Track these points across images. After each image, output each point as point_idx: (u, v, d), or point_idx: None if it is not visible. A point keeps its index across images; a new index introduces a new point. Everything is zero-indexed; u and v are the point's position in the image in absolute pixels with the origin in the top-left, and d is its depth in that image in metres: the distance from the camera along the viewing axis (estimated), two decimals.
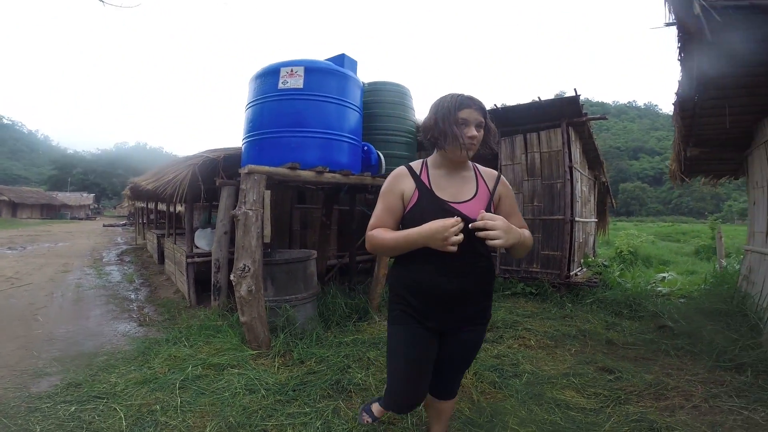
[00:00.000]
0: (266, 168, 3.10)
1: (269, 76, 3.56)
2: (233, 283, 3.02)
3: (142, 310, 4.78)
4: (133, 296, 5.47)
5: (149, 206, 11.44)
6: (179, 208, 7.72)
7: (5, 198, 34.36)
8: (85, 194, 47.21)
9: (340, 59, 3.85)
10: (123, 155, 65.36)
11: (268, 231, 3.03)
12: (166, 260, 6.99)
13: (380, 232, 1.38)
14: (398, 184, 1.43)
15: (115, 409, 2.32)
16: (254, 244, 2.96)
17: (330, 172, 3.46)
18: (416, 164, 1.48)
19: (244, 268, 2.95)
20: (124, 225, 26.09)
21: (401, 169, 1.47)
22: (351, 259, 4.73)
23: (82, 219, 37.92)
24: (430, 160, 1.50)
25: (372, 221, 1.43)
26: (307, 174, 3.33)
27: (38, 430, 2.11)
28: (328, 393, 2.48)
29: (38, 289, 5.71)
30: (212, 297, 4.09)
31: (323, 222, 4.82)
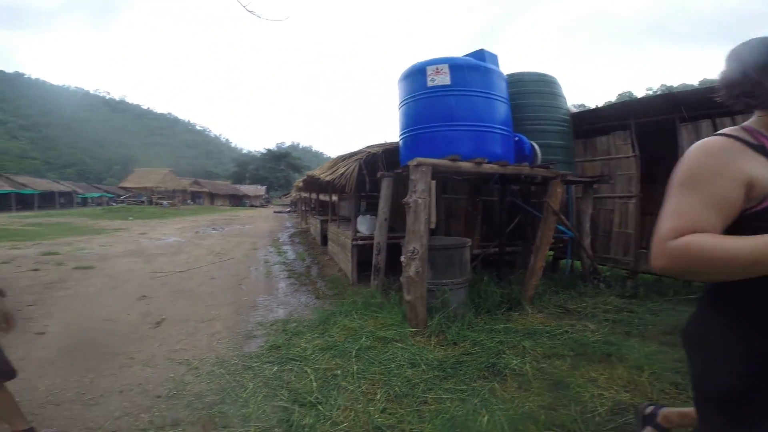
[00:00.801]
0: (432, 160, 3.32)
1: (416, 75, 3.79)
2: (402, 264, 3.33)
3: (315, 284, 5.62)
4: (306, 272, 6.48)
5: (311, 196, 13.36)
6: (333, 197, 8.71)
7: (206, 189, 44.34)
8: (258, 186, 57.24)
9: (480, 54, 3.91)
10: (282, 154, 76.56)
11: (434, 217, 3.25)
12: (329, 242, 8.05)
13: (710, 241, 0.81)
14: (737, 164, 0.85)
15: (306, 371, 2.63)
16: (422, 229, 3.22)
17: (488, 163, 3.54)
18: (741, 133, 0.91)
19: (414, 251, 3.22)
20: (289, 212, 30.89)
21: (727, 142, 0.89)
22: (500, 249, 4.66)
23: (257, 206, 46.22)
24: (754, 125, 0.93)
25: (677, 222, 0.85)
26: (466, 165, 3.46)
27: (251, 386, 2.46)
28: (484, 374, 2.57)
29: (239, 262, 7.23)
30: (372, 276, 4.56)
31: (469, 211, 4.87)
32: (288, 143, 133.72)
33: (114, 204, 34.36)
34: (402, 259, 3.33)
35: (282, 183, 70.36)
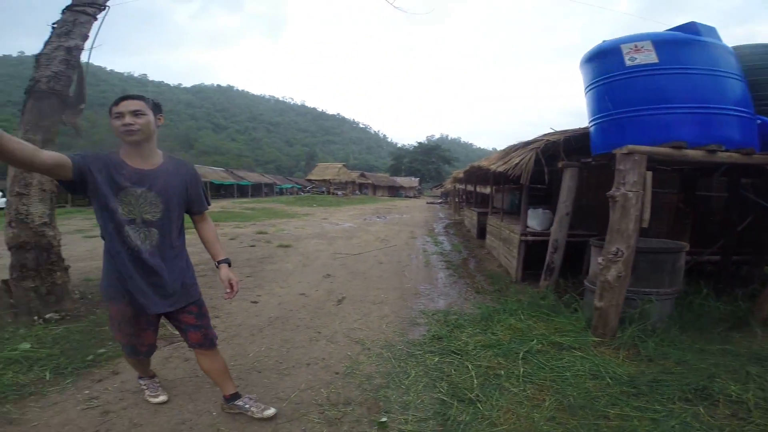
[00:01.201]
0: (647, 148, 2.84)
1: (608, 55, 3.41)
2: (600, 267, 2.94)
3: (473, 278, 5.51)
4: (463, 265, 6.41)
5: (466, 187, 13.23)
6: (494, 189, 8.34)
7: (370, 181, 48.94)
8: (412, 178, 60.13)
9: (692, 28, 3.22)
10: (432, 146, 78.07)
11: (647, 215, 2.76)
12: (487, 236, 7.79)
13: None
14: None
15: (467, 366, 2.58)
16: (631, 227, 2.79)
17: (724, 151, 2.86)
18: None
19: (617, 252, 2.81)
20: (440, 203, 31.52)
21: None
22: (724, 256, 3.63)
23: (411, 197, 48.72)
24: None
25: None
26: (694, 153, 2.85)
27: (413, 374, 2.50)
28: (687, 397, 2.21)
29: (400, 250, 7.67)
30: (543, 276, 4.17)
31: (679, 209, 3.92)
32: (437, 135, 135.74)
33: (302, 193, 41.51)
34: (600, 260, 2.93)
35: (433, 174, 71.89)
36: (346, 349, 2.98)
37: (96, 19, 3.71)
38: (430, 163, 72.10)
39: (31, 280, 3.19)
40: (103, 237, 1.78)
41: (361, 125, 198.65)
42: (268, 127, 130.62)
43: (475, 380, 2.39)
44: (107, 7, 3.74)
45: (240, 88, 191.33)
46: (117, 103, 1.70)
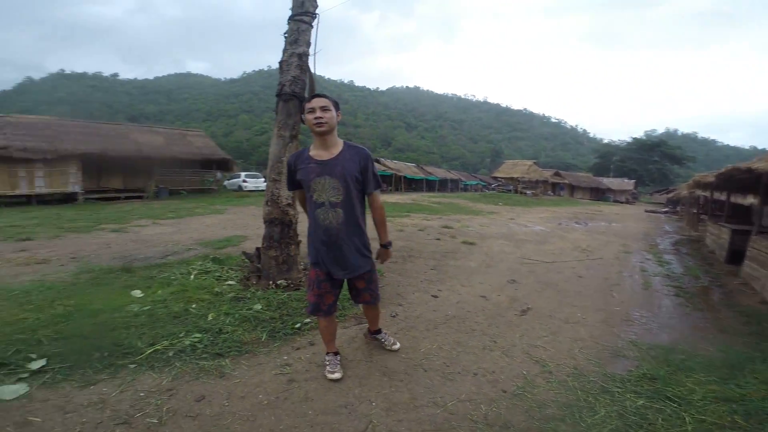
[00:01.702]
0: None
1: None
2: None
3: (717, 312, 4.10)
4: (702, 294, 4.87)
5: (713, 195, 10.08)
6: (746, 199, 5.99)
7: (566, 181, 43.69)
8: (625, 180, 50.46)
9: None
10: (654, 143, 63.73)
11: None
12: (747, 262, 5.70)
13: None
14: None
15: (683, 418, 2.08)
16: None
17: None
18: None
19: None
20: (666, 212, 25.36)
21: None
22: None
23: (622, 202, 41.05)
24: None
25: None
26: None
27: (602, 413, 2.11)
28: None
29: (608, 264, 6.40)
30: None
31: None
32: (660, 130, 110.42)
33: (486, 191, 40.68)
34: None
35: (655, 177, 59.09)
36: (521, 366, 2.67)
37: (312, 27, 4.19)
38: (650, 163, 59.64)
39: (274, 249, 4.01)
40: (308, 217, 2.30)
41: (553, 120, 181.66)
42: (452, 125, 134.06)
43: None
44: (317, 15, 4.20)
45: (425, 88, 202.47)
46: (309, 100, 2.14)
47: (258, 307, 3.36)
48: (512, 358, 2.78)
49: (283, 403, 2.14)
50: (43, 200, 14.21)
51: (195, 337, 2.75)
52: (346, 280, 2.39)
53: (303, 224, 2.89)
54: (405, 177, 34.08)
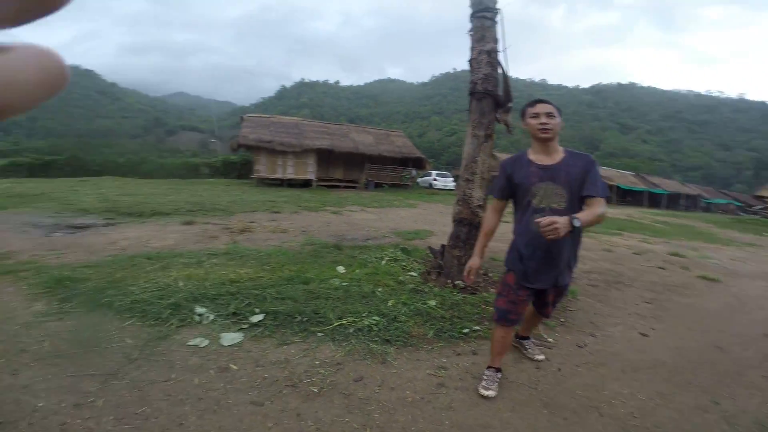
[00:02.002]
0: None
1: None
2: None
3: None
4: None
5: None
6: None
7: None
8: None
9: None
10: None
11: None
12: None
13: None
14: None
15: None
16: None
17: None
18: None
19: None
20: None
21: None
22: None
23: None
24: None
25: None
26: None
27: None
28: None
29: None
30: None
31: None
32: None
33: (742, 214, 30.39)
34: None
35: None
36: None
37: (496, 22, 3.94)
38: None
39: (458, 249, 4.00)
40: (514, 221, 2.21)
41: None
42: (690, 127, 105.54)
43: None
44: (499, 10, 3.92)
45: (644, 84, 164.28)
46: (533, 104, 2.06)
47: (432, 303, 3.40)
48: (733, 427, 2.11)
49: (424, 405, 2.09)
50: (290, 184, 18.59)
51: (374, 320, 2.95)
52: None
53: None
54: (618, 187, 28.85)
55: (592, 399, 2.29)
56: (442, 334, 2.89)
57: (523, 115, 2.11)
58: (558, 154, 2.07)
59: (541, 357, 2.62)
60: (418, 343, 2.74)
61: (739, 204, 34.67)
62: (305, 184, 18.88)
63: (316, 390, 2.10)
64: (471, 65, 4.03)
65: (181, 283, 3.44)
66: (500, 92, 3.96)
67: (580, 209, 2.00)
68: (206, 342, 2.50)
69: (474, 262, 2.29)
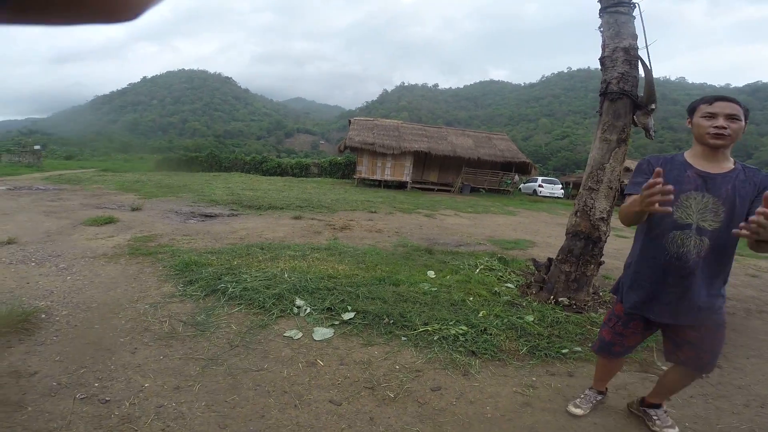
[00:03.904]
0: None
1: None
2: None
3: None
4: None
5: None
6: None
7: None
8: None
9: None
10: None
11: None
12: None
13: None
14: None
15: None
16: None
17: None
18: None
19: None
20: None
21: None
22: None
23: None
24: None
25: None
26: None
27: None
28: None
29: None
30: None
31: None
32: None
33: None
34: None
35: None
36: None
37: (633, 17, 3.56)
38: None
39: (569, 264, 3.63)
40: (639, 237, 1.80)
41: None
42: None
43: None
44: (636, 5, 3.52)
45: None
46: (711, 102, 1.64)
47: (530, 318, 3.16)
48: None
49: (504, 423, 1.95)
50: (387, 185, 19.14)
51: (461, 329, 2.84)
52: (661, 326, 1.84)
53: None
54: None
55: (698, 431, 2.03)
56: (536, 351, 2.68)
57: (692, 111, 1.70)
58: (727, 164, 1.65)
59: (675, 430, 1.92)
60: (508, 358, 2.57)
61: None
62: (401, 185, 19.23)
63: (392, 395, 2.08)
64: (604, 63, 3.72)
65: (286, 275, 3.72)
66: (640, 92, 3.58)
67: (732, 236, 1.54)
68: (300, 335, 2.64)
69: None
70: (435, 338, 2.71)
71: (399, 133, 20.30)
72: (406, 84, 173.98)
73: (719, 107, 1.59)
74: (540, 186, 22.71)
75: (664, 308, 1.72)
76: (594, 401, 2.06)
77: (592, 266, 3.59)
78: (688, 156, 1.70)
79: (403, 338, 2.70)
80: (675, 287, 1.67)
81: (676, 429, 1.92)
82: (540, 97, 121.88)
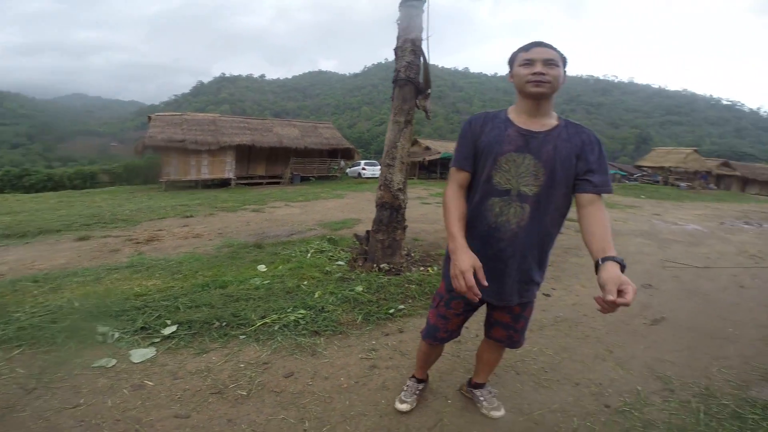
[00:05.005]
0: None
1: None
2: None
3: None
4: None
5: None
6: None
7: (738, 173, 35.10)
8: None
9: None
10: None
11: None
12: None
13: None
14: None
15: None
16: None
17: None
18: None
19: None
20: None
21: None
22: None
23: None
24: None
25: None
26: None
27: None
28: None
29: None
30: None
31: None
32: None
33: (626, 181, 35.09)
34: None
35: None
36: (637, 381, 2.33)
37: (423, 11, 4.10)
38: None
39: (381, 233, 4.11)
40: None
41: (724, 102, 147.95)
42: (587, 109, 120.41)
43: None
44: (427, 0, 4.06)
45: None
46: (527, 49, 1.46)
47: (359, 288, 3.48)
48: (628, 371, 2.44)
49: (360, 388, 2.14)
50: (206, 184, 17.41)
51: (300, 313, 2.93)
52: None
53: (408, 211, 2.80)
54: None
55: (507, 360, 2.47)
56: (370, 317, 2.97)
57: (511, 62, 1.51)
58: (550, 120, 1.50)
59: (500, 413, 1.92)
60: (348, 329, 2.78)
61: (623, 173, 40.00)
62: (223, 183, 17.81)
63: (244, 393, 2.05)
64: (396, 53, 4.12)
65: (76, 303, 3.09)
66: (421, 80, 4.10)
67: (561, 201, 1.49)
68: (114, 361, 2.33)
69: (470, 257, 1.38)
70: (276, 328, 2.73)
71: (216, 127, 18.57)
72: (227, 75, 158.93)
73: (536, 53, 1.43)
74: (363, 169, 24.49)
75: (488, 286, 1.47)
76: (417, 392, 2.01)
77: (399, 231, 4.16)
78: (511, 113, 1.53)
79: (242, 337, 2.63)
80: (495, 261, 1.51)
81: (502, 411, 1.93)
82: (362, 87, 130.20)
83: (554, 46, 1.44)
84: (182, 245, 5.50)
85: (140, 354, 2.40)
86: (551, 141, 1.45)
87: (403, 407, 1.94)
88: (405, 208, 4.20)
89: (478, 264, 1.37)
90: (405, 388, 2.03)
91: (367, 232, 4.39)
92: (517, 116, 1.50)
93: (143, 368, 2.27)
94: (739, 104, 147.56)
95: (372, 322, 2.92)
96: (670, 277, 4.62)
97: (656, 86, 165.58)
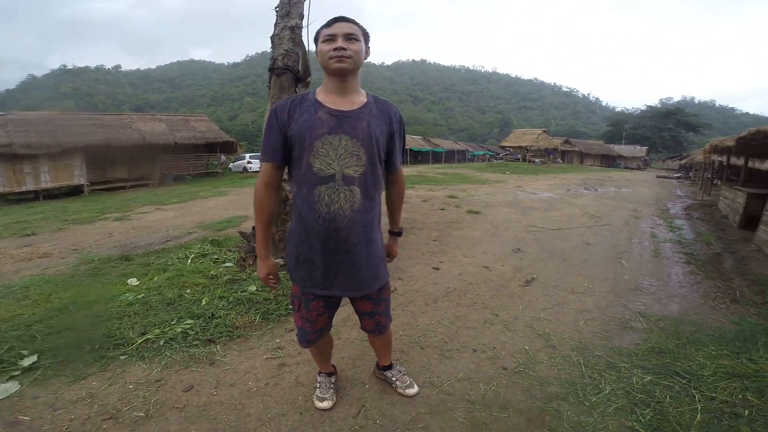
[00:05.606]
0: None
1: None
2: None
3: (730, 281, 3.92)
4: (714, 261, 4.66)
5: (730, 160, 9.71)
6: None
7: (576, 149, 42.73)
8: (637, 147, 49.52)
9: None
10: (669, 111, 63.37)
11: None
12: (761, 227, 5.46)
13: None
14: None
15: (693, 395, 1.96)
16: None
17: None
18: None
19: None
20: (679, 177, 24.92)
21: None
22: None
23: (633, 169, 40.16)
24: None
25: None
26: None
27: (606, 390, 2.01)
28: None
29: (617, 231, 6.21)
30: None
31: None
32: (677, 98, 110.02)
33: (494, 160, 40.04)
34: None
35: (669, 144, 59.29)
36: (524, 341, 2.57)
37: None
38: (664, 130, 59.73)
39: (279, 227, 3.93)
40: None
41: (564, 89, 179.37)
42: (460, 97, 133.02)
43: (698, 415, 1.83)
44: None
45: (432, 61, 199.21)
46: (329, 24, 1.43)
47: (252, 288, 3.30)
48: (514, 333, 2.68)
49: (272, 389, 2.07)
50: (50, 195, 14.34)
51: (186, 324, 2.68)
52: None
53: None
54: (411, 149, 33.59)
55: (411, 336, 2.58)
56: (269, 315, 2.85)
57: (316, 41, 1.47)
58: (359, 97, 1.48)
59: (414, 390, 1.98)
60: (247, 332, 2.64)
61: (491, 153, 45.50)
62: (73, 192, 14.91)
63: (142, 414, 1.87)
64: (273, 41, 3.92)
65: None
66: (300, 68, 3.96)
67: (382, 178, 1.55)
68: None
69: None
70: (161, 343, 2.48)
71: (56, 127, 15.26)
72: (70, 67, 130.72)
73: (337, 28, 1.40)
74: (249, 162, 23.02)
75: (336, 280, 1.52)
76: (331, 386, 1.97)
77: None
78: (320, 93, 1.48)
79: (122, 357, 2.35)
80: (342, 254, 1.47)
81: (416, 387, 1.99)
82: (244, 76, 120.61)
83: (355, 20, 1.43)
84: (25, 267, 4.48)
85: (3, 390, 2.07)
86: (364, 118, 1.44)
87: (325, 405, 1.89)
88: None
89: (274, 270, 1.60)
90: (318, 385, 1.99)
91: (253, 227, 4.16)
92: (326, 96, 1.46)
93: (10, 404, 1.97)
94: (575, 91, 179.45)
95: (272, 321, 2.80)
96: (534, 240, 5.39)
97: (513, 75, 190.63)
